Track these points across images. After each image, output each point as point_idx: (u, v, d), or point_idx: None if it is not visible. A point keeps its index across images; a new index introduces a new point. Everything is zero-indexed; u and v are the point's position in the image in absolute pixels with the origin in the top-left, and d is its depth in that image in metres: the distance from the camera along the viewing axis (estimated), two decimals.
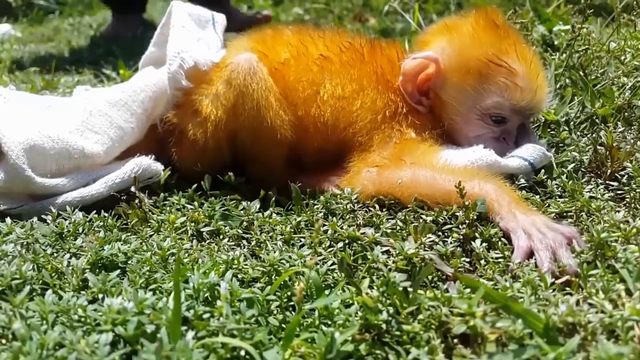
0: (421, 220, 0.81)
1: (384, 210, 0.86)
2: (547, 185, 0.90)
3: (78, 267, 0.69)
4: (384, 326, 0.59)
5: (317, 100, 0.97)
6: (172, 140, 1.00)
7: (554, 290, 0.66)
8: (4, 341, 0.58)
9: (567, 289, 0.68)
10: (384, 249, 0.74)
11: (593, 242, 0.71)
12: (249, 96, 0.93)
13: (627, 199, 0.87)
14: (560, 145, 1.03)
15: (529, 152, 0.93)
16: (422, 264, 0.71)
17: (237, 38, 1.09)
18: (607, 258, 0.70)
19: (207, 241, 0.84)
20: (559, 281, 0.68)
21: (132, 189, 0.90)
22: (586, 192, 0.88)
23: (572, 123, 1.09)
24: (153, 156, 0.96)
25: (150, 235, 0.84)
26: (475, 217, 0.78)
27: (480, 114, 0.96)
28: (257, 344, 0.56)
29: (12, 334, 0.58)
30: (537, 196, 0.88)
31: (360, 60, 1.00)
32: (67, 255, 0.73)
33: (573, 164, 0.94)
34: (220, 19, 1.14)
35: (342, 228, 0.80)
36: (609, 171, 0.92)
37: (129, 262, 0.73)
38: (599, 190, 0.88)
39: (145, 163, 0.95)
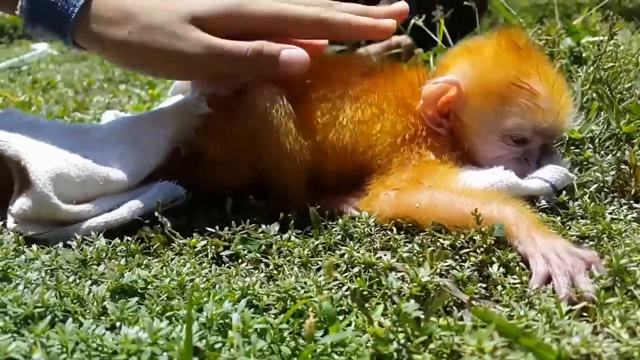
0: (438, 244, 0.81)
1: (401, 233, 0.86)
2: (568, 207, 0.89)
3: (98, 295, 0.71)
4: (395, 355, 0.59)
5: (336, 124, 0.98)
6: (195, 163, 1.02)
7: (570, 317, 0.65)
8: None
9: (585, 314, 0.67)
10: (399, 274, 0.74)
11: (612, 268, 0.70)
12: (269, 122, 0.94)
13: None
14: (585, 163, 1.02)
15: (550, 174, 0.92)
16: (437, 290, 0.71)
17: None
18: (627, 284, 0.69)
19: (227, 265, 0.85)
20: (576, 307, 0.67)
21: (155, 213, 0.92)
22: (608, 213, 0.86)
23: (597, 141, 1.08)
24: (176, 180, 0.98)
25: (172, 259, 0.86)
26: (492, 242, 0.78)
27: (501, 135, 0.96)
28: None
29: None
30: (559, 217, 0.87)
31: (381, 85, 1.01)
32: (89, 282, 0.75)
33: (596, 185, 0.93)
34: None
35: (358, 252, 0.81)
36: (632, 191, 0.90)
37: (149, 287, 0.75)
38: (622, 211, 0.87)
39: (168, 187, 0.97)
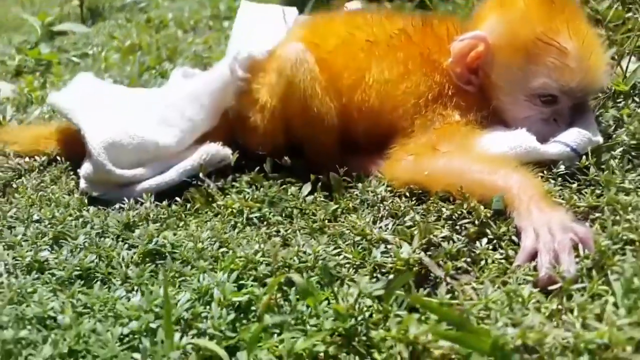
0: (442, 213, 0.84)
1: (413, 199, 0.89)
2: (588, 173, 0.86)
3: (126, 259, 0.82)
4: (354, 331, 0.65)
5: (362, 85, 1.00)
6: (238, 125, 1.10)
7: (547, 298, 0.66)
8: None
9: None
10: (390, 246, 0.79)
11: (596, 249, 0.70)
12: (296, 85, 0.99)
13: None
14: (628, 118, 0.96)
15: (572, 137, 0.89)
16: (418, 266, 0.75)
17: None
18: (606, 267, 0.68)
19: (253, 227, 0.93)
20: (553, 287, 0.69)
21: (200, 175, 1.02)
22: (628, 181, 0.83)
23: None
24: (221, 142, 1.07)
25: (210, 219, 0.95)
26: (489, 214, 0.80)
27: (528, 95, 0.94)
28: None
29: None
30: (575, 184, 0.86)
31: (407, 42, 1.01)
32: (126, 246, 0.87)
33: (622, 148, 0.89)
34: (292, 12, 1.19)
35: (364, 220, 0.86)
36: None
37: (176, 250, 0.85)
38: None
39: (213, 150, 1.06)
